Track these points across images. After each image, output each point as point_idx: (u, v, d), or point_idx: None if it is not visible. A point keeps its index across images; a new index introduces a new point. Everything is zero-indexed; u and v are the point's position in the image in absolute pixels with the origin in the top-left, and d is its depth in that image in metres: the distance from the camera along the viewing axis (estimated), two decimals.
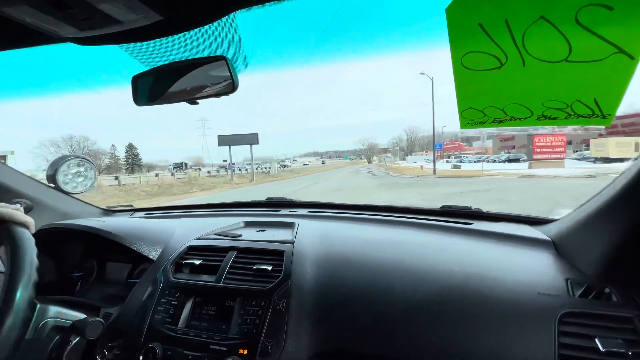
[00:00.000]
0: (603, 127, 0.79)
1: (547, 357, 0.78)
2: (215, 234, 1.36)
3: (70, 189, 1.61)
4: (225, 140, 33.69)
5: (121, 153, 67.60)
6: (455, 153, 73.94)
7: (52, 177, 1.57)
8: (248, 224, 1.52)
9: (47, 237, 1.38)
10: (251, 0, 0.76)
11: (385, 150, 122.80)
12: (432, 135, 30.04)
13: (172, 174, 37.82)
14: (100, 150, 60.67)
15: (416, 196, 12.72)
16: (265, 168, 47.71)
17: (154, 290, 1.14)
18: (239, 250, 1.21)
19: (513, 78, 0.76)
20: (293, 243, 1.20)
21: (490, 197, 10.82)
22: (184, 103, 1.09)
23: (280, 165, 71.46)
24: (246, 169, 48.05)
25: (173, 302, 1.10)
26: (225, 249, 1.22)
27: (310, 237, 1.26)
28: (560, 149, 27.01)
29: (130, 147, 68.70)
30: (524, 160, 36.35)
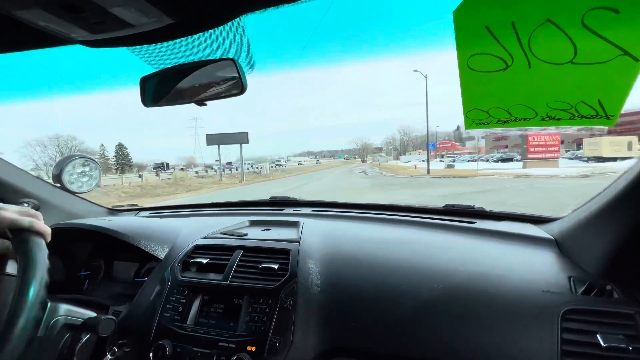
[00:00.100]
0: (606, 127, 0.81)
1: (550, 352, 0.79)
2: (221, 233, 1.36)
3: (75, 188, 1.61)
4: (214, 140, 32.46)
5: (111, 153, 66.80)
6: (449, 153, 74.44)
7: (57, 177, 1.57)
8: (253, 223, 1.52)
9: (55, 237, 1.27)
10: (259, 3, 0.76)
11: (379, 149, 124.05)
12: (425, 135, 29.85)
13: (157, 175, 36.24)
14: (89, 150, 59.12)
15: (410, 198, 12.26)
16: (258, 168, 46.62)
17: (162, 289, 1.14)
18: (246, 249, 1.21)
19: (518, 79, 0.76)
20: (298, 242, 1.20)
21: (489, 200, 10.41)
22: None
23: (275, 165, 72.58)
24: (236, 169, 47.46)
25: (181, 300, 1.10)
26: (232, 248, 1.23)
27: (315, 236, 1.26)
28: (555, 148, 26.84)
29: (120, 147, 67.53)
30: (517, 160, 36.41)
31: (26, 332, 0.76)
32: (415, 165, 37.08)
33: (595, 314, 0.83)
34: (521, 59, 0.74)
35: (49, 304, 0.88)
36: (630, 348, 0.77)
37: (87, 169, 1.65)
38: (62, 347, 0.92)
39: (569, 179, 16.50)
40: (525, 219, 1.36)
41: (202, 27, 0.84)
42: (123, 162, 64.24)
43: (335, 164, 79.58)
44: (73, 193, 1.64)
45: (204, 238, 1.33)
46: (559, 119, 0.78)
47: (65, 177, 1.58)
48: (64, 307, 0.93)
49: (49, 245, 0.92)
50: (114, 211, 1.92)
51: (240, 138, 31.19)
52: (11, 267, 0.93)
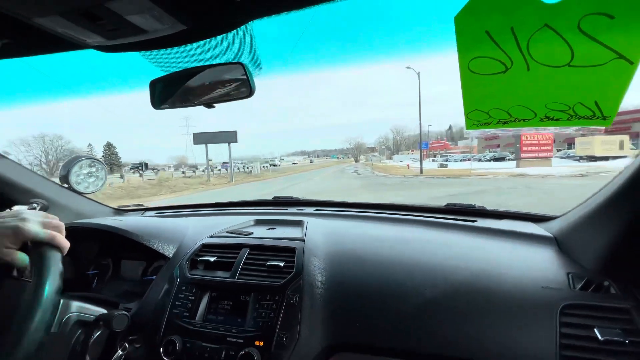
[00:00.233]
0: (603, 127, 0.80)
1: (549, 346, 0.82)
2: (228, 232, 1.38)
3: (82, 189, 1.64)
4: (201, 138, 31.04)
5: (100, 153, 64.81)
6: (441, 152, 74.72)
7: (65, 178, 1.60)
8: (258, 222, 1.55)
9: (65, 236, 1.37)
10: (268, 9, 0.78)
11: (372, 149, 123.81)
12: (418, 135, 29.68)
13: (140, 175, 34.91)
14: (76, 149, 57.23)
15: (402, 200, 11.72)
16: (249, 167, 45.23)
17: (171, 286, 1.16)
18: (252, 247, 1.23)
19: (518, 82, 0.78)
20: (303, 240, 1.22)
21: (487, 202, 9.56)
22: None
23: (270, 164, 72.17)
24: (226, 169, 46.84)
25: (190, 297, 1.12)
26: (239, 246, 1.25)
27: (320, 234, 1.28)
28: (548, 148, 26.83)
29: (109, 147, 65.73)
30: (509, 159, 36.44)
31: (39, 332, 0.78)
32: (408, 165, 36.75)
33: (592, 309, 0.86)
34: (520, 62, 0.76)
35: (61, 301, 0.90)
36: (627, 341, 0.79)
37: (93, 169, 1.68)
38: (74, 343, 0.95)
39: (565, 178, 16.23)
40: (525, 218, 1.38)
41: (212, 32, 0.86)
42: (112, 162, 62.65)
43: (328, 164, 78.91)
44: (80, 193, 1.66)
45: (211, 237, 1.35)
46: (557, 120, 0.81)
47: (73, 178, 1.60)
48: (76, 304, 0.95)
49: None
50: (120, 211, 1.95)
51: (228, 137, 30.05)
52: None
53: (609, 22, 0.67)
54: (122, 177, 33.83)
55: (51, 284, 0.82)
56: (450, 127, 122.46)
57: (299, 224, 1.44)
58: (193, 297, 1.12)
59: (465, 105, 0.86)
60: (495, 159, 39.63)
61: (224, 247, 1.27)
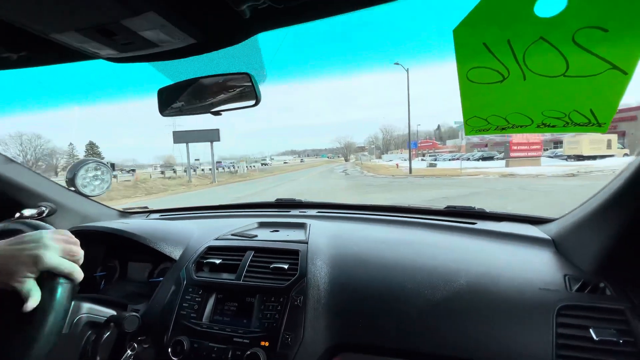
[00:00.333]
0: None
1: (546, 346, 0.84)
2: (232, 235, 1.41)
3: (88, 192, 1.66)
4: (182, 137, 29.59)
5: (82, 153, 62.59)
6: (430, 151, 75.03)
7: (71, 181, 1.61)
8: (262, 225, 1.57)
9: None
10: (275, 23, 0.82)
11: (362, 148, 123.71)
12: (407, 135, 29.37)
13: (115, 176, 33.12)
14: (56, 149, 55.44)
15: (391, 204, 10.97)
16: (235, 167, 44.07)
17: (178, 288, 1.19)
18: (256, 249, 1.26)
19: (514, 90, 0.82)
20: (307, 243, 1.25)
21: (483, 205, 9.01)
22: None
23: (261, 163, 71.67)
24: (224, 168, 44.94)
25: (197, 299, 1.15)
26: (243, 249, 1.27)
27: (323, 237, 1.31)
28: (537, 147, 26.88)
29: (91, 146, 63.75)
30: (497, 158, 36.49)
31: (52, 334, 0.79)
32: (397, 164, 36.32)
33: (588, 310, 0.88)
34: (517, 72, 0.79)
35: (72, 303, 0.92)
36: (621, 341, 0.81)
37: (99, 172, 1.70)
38: (84, 343, 0.98)
39: (559, 179, 16.02)
40: (524, 220, 1.41)
41: (221, 45, 0.89)
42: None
43: (318, 163, 78.83)
44: (86, 196, 1.69)
45: (216, 239, 1.38)
46: (553, 126, 0.84)
47: (79, 181, 1.62)
48: (86, 306, 0.98)
49: None
50: (125, 213, 1.98)
51: (210, 135, 29.03)
52: None
53: (603, 35, 0.70)
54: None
55: (56, 316, 0.81)
56: (438, 126, 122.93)
57: (302, 226, 1.47)
58: (200, 299, 1.15)
59: (465, 112, 0.89)
60: (484, 158, 39.53)
61: (229, 250, 1.29)
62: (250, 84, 1.03)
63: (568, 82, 0.77)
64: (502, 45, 0.78)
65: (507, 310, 0.93)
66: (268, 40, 1.06)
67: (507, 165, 25.75)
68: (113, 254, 1.60)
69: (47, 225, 1.07)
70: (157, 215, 2.01)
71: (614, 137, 30.48)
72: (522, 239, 1.23)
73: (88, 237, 1.48)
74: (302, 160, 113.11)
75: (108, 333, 1.02)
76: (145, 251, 1.37)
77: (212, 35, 0.85)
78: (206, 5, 0.75)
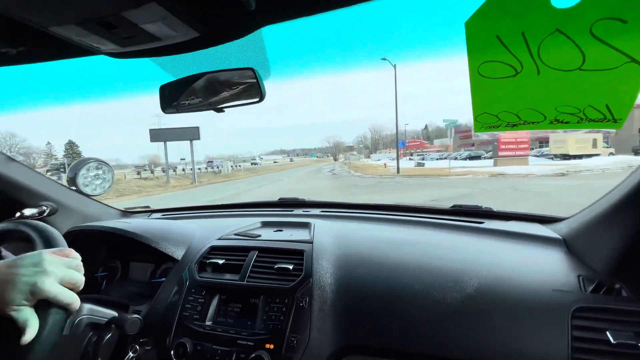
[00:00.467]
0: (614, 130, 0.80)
1: (561, 349, 0.81)
2: (235, 234, 1.38)
3: (89, 191, 1.65)
4: (159, 135, 27.83)
5: (60, 152, 60.32)
6: (418, 151, 75.38)
7: (72, 180, 1.60)
8: (265, 224, 1.54)
9: (74, 239, 1.36)
10: (278, 16, 0.79)
11: (351, 148, 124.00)
12: (395, 134, 29.46)
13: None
14: (33, 148, 53.97)
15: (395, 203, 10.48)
16: (218, 167, 42.05)
17: (181, 289, 1.17)
18: (260, 249, 1.23)
19: (528, 85, 0.79)
20: (312, 243, 1.22)
21: None
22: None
23: (251, 163, 71.30)
24: (217, 167, 42.89)
25: (200, 300, 1.12)
26: (247, 249, 1.24)
27: (327, 236, 1.28)
28: (525, 146, 26.96)
29: (71, 145, 61.35)
30: (485, 158, 36.77)
31: (52, 335, 0.77)
32: (385, 164, 35.84)
33: (604, 312, 0.84)
34: (530, 66, 0.76)
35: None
36: None
37: (100, 172, 1.68)
38: (85, 345, 0.95)
39: (549, 178, 15.71)
40: (532, 219, 1.38)
41: (224, 39, 0.86)
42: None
43: (307, 163, 78.10)
44: (88, 196, 1.66)
45: (219, 239, 1.35)
46: (567, 122, 0.81)
47: (80, 180, 1.60)
48: (87, 307, 0.94)
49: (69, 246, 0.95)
50: (127, 213, 1.94)
51: (190, 133, 27.26)
52: None
53: (622, 26, 0.67)
54: (59, 179, 31.39)
55: (43, 348, 0.77)
56: (426, 126, 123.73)
57: (306, 225, 1.44)
58: (203, 300, 1.12)
59: (475, 108, 0.86)
60: (471, 158, 39.37)
61: (232, 250, 1.26)
62: (254, 79, 1.00)
63: (584, 76, 0.74)
64: (516, 38, 0.75)
65: (520, 312, 0.89)
66: (261, 38, 1.03)
67: (495, 164, 25.70)
68: (114, 253, 1.57)
69: (48, 226, 1.04)
70: (159, 215, 1.98)
71: (599, 137, 30.88)
72: (531, 238, 1.19)
73: (89, 236, 1.48)
74: (291, 160, 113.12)
75: (109, 335, 0.99)
76: (147, 251, 1.34)
77: (216, 28, 0.81)
78: None
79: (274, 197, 2.06)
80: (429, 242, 1.24)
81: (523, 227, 1.29)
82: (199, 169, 39.37)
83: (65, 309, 0.80)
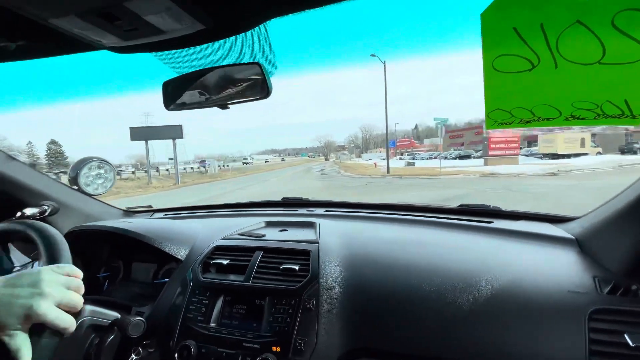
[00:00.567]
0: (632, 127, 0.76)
1: (578, 353, 0.79)
2: (239, 234, 1.35)
3: (91, 190, 1.62)
4: (140, 134, 26.33)
5: (42, 151, 58.42)
6: (408, 150, 75.78)
7: (74, 180, 1.58)
8: (269, 224, 1.51)
9: (76, 239, 1.35)
10: (286, 7, 0.76)
11: (342, 147, 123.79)
12: (386, 134, 29.40)
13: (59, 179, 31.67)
14: (13, 147, 51.24)
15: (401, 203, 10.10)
16: (204, 167, 40.40)
17: (184, 290, 1.13)
18: (265, 250, 1.20)
19: (544, 80, 0.76)
20: (318, 243, 1.19)
21: None
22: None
23: (243, 162, 70.99)
24: (207, 167, 42.04)
25: (204, 301, 1.09)
26: (252, 249, 1.21)
27: (333, 236, 1.25)
28: (515, 145, 27.00)
29: (53, 144, 59.54)
30: (474, 157, 36.93)
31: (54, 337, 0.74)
32: (375, 164, 35.32)
33: (622, 314, 0.81)
34: (548, 60, 0.73)
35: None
36: None
37: (102, 171, 1.66)
38: (87, 347, 0.93)
39: (540, 178, 15.37)
40: (542, 219, 1.35)
41: (230, 32, 0.83)
42: (57, 162, 56.58)
43: (297, 162, 77.20)
44: (90, 195, 1.64)
45: (223, 239, 1.32)
46: (583, 119, 0.78)
47: (82, 180, 1.58)
48: (88, 308, 0.91)
49: (70, 247, 0.94)
50: (129, 213, 1.91)
51: (172, 132, 26.00)
52: None
53: None
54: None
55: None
56: (416, 125, 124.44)
57: (311, 225, 1.40)
58: (207, 301, 1.08)
59: (487, 104, 0.83)
60: (461, 157, 39.00)
61: (236, 250, 1.23)
62: (260, 74, 0.97)
63: (603, 70, 0.71)
64: (534, 30, 0.72)
65: (536, 314, 0.86)
66: (267, 32, 1.00)
67: (485, 163, 25.69)
68: (117, 254, 1.54)
69: (49, 226, 1.00)
70: (161, 215, 1.95)
71: (587, 136, 31.21)
72: (543, 238, 1.16)
73: (91, 236, 1.46)
74: (283, 160, 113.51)
75: (112, 337, 0.98)
76: (150, 251, 1.31)
77: (222, 20, 0.78)
78: None
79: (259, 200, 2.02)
80: (437, 242, 1.21)
81: (533, 226, 1.26)
82: (184, 168, 38.00)
83: (60, 333, 0.75)
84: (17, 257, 1.27)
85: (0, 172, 1.31)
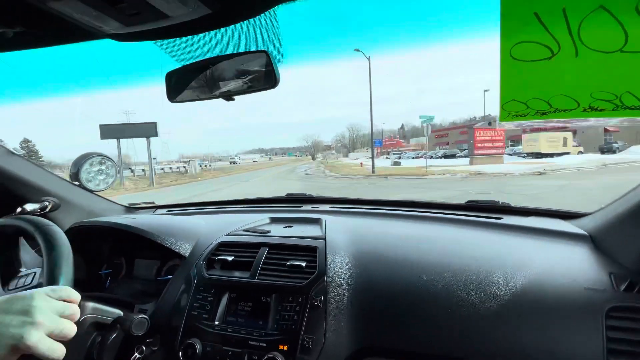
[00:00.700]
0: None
1: (595, 351, 0.76)
2: (244, 230, 1.31)
3: (93, 186, 1.60)
4: (111, 132, 23.37)
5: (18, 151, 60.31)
6: (394, 150, 76.22)
7: (75, 175, 1.55)
8: (274, 220, 1.47)
9: (77, 235, 1.33)
10: None
11: (329, 147, 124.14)
12: (371, 132, 29.21)
13: None
14: None
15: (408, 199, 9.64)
16: (183, 167, 36.91)
17: (188, 287, 1.10)
18: (271, 246, 1.16)
19: (564, 69, 0.73)
20: (324, 239, 1.15)
21: None
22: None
23: (230, 162, 70.49)
24: (171, 168, 40.07)
25: (209, 298, 1.05)
26: (257, 245, 1.18)
27: (340, 233, 1.21)
28: (500, 144, 26.92)
29: (26, 142, 61.36)
30: (459, 156, 37.10)
31: None
32: (361, 163, 34.65)
33: None
34: (569, 47, 0.70)
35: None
36: None
37: (103, 167, 1.64)
38: (89, 345, 0.91)
39: (528, 177, 15.14)
40: (553, 214, 1.31)
41: (237, 17, 0.79)
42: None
43: (283, 162, 76.43)
44: (91, 191, 1.61)
45: (227, 235, 1.28)
46: (601, 110, 0.75)
47: (83, 176, 1.56)
48: (91, 306, 0.90)
49: (71, 243, 0.92)
50: (131, 209, 1.88)
51: (145, 130, 23.33)
52: None
53: None
54: None
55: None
56: (402, 125, 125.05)
57: (316, 221, 1.36)
58: (212, 298, 1.05)
59: (502, 95, 0.80)
60: (446, 156, 38.97)
61: (241, 246, 1.20)
62: (268, 63, 0.94)
63: (624, 58, 0.68)
64: (556, 15, 0.69)
65: (550, 311, 0.84)
66: (275, 18, 0.95)
67: (471, 163, 25.66)
68: (119, 250, 1.50)
69: (50, 223, 0.99)
70: (164, 211, 1.91)
71: (569, 135, 31.75)
72: (555, 234, 1.12)
73: (92, 232, 1.43)
74: (270, 159, 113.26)
75: (114, 335, 0.94)
76: (153, 247, 1.28)
77: (229, 4, 0.74)
78: None
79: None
80: (447, 238, 1.18)
81: (544, 222, 1.22)
82: (162, 169, 35.66)
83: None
84: (27, 252, 1.25)
85: (1, 167, 1.28)
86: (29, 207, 1.25)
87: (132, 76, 1.38)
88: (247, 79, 0.97)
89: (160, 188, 21.33)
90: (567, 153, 29.28)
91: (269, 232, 1.28)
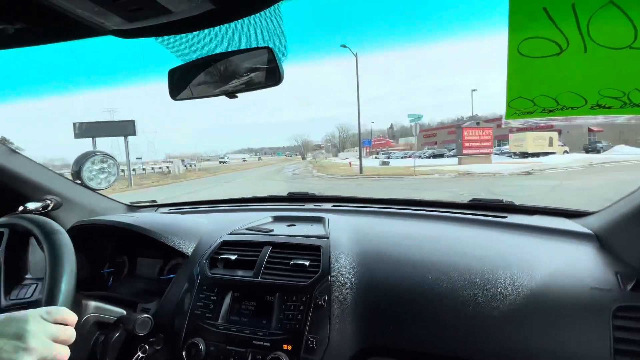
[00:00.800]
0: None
1: (602, 351, 0.75)
2: (247, 229, 1.30)
3: (95, 185, 1.58)
4: (87, 130, 21.52)
5: None
6: (383, 149, 76.49)
7: (77, 174, 1.53)
8: (276, 219, 1.46)
9: (79, 234, 1.32)
10: None
11: (319, 146, 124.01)
12: (362, 133, 29.17)
13: None
14: None
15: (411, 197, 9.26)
16: (166, 167, 35.02)
17: (191, 286, 1.09)
18: (274, 245, 1.15)
19: (572, 65, 0.72)
20: (328, 238, 1.14)
21: None
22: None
23: (220, 161, 70.10)
24: (190, 165, 39.08)
25: (212, 298, 1.04)
26: (260, 244, 1.16)
27: (343, 232, 1.20)
28: (488, 144, 26.97)
29: (3, 142, 60.86)
30: (447, 156, 37.25)
31: None
32: (350, 163, 34.63)
33: None
34: (577, 43, 0.69)
35: (82, 301, 0.86)
36: None
37: (105, 165, 1.62)
38: (92, 345, 0.91)
39: (517, 178, 14.97)
40: (557, 213, 1.30)
41: (241, 13, 0.78)
42: None
43: (272, 162, 75.25)
44: (93, 190, 1.59)
45: (230, 234, 1.26)
46: (609, 107, 0.75)
47: (85, 174, 1.54)
48: (93, 305, 0.89)
49: (73, 242, 0.91)
50: (133, 207, 1.86)
51: (123, 128, 22.19)
52: None
53: None
54: None
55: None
56: (391, 125, 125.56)
57: (319, 220, 1.35)
58: (215, 297, 1.04)
59: (509, 92, 0.79)
60: (435, 156, 38.75)
61: (244, 245, 1.18)
62: (271, 59, 0.93)
63: (633, 55, 0.67)
64: (565, 11, 0.67)
65: (556, 311, 0.83)
66: (279, 14, 0.94)
67: (459, 162, 25.70)
68: (121, 249, 1.49)
69: (52, 221, 0.98)
70: (166, 209, 1.89)
71: (555, 135, 32.18)
72: (560, 233, 1.10)
73: (95, 231, 1.41)
74: (259, 159, 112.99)
75: (117, 334, 0.94)
76: (156, 246, 1.26)
77: None
78: None
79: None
80: (451, 237, 1.17)
81: (549, 221, 1.21)
82: (143, 169, 34.36)
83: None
84: (35, 253, 1.21)
85: (2, 165, 1.26)
86: (31, 205, 1.23)
87: (134, 75, 1.40)
88: (250, 76, 0.96)
89: (139, 189, 20.42)
90: (553, 153, 29.60)
91: (272, 230, 1.27)
